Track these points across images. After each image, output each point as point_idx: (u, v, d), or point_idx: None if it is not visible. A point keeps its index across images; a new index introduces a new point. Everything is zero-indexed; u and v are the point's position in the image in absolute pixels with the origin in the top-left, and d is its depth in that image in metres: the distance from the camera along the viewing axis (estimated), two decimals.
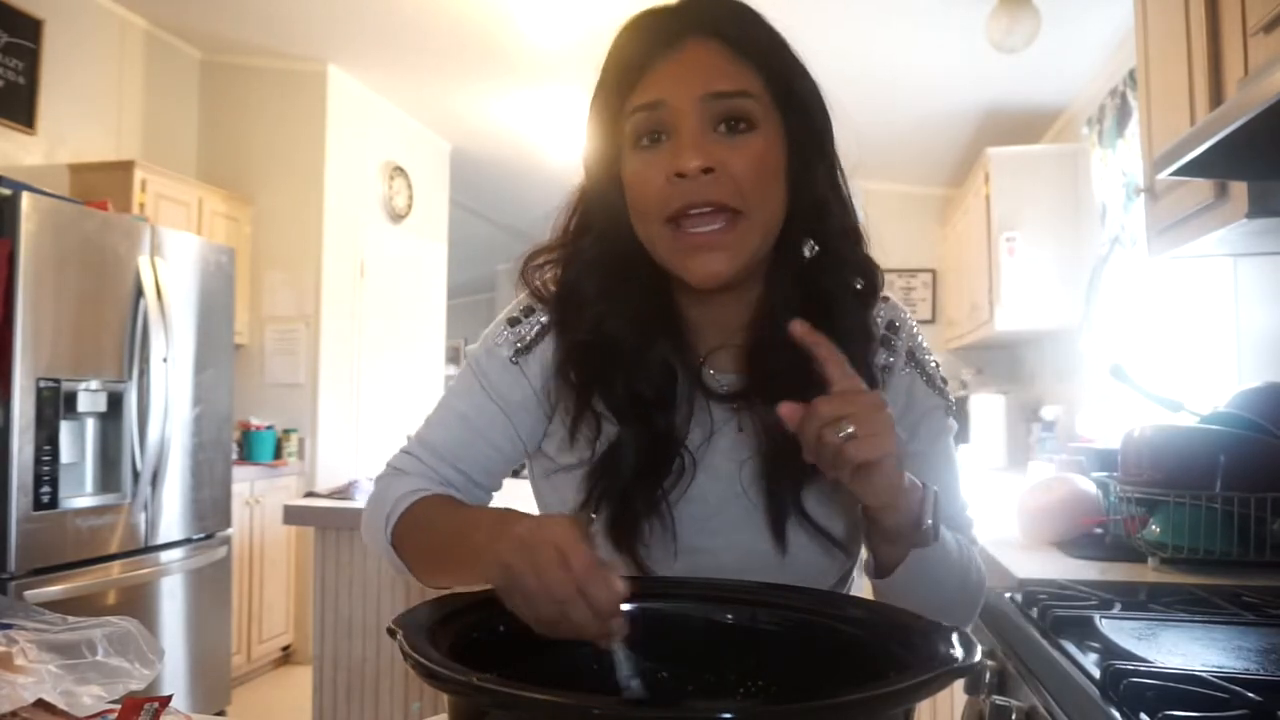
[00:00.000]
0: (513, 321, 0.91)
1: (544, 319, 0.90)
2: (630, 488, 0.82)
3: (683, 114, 0.78)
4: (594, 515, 0.82)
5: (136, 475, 3.00)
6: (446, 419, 0.91)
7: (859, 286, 0.86)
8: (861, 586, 0.99)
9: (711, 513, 0.85)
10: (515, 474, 0.97)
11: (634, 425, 0.83)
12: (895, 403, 0.84)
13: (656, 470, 0.83)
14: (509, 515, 0.70)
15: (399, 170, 5.06)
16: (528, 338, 0.89)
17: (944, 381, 0.94)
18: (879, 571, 0.81)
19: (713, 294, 0.83)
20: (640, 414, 0.83)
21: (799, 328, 0.73)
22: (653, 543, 0.83)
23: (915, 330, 0.94)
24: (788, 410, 0.71)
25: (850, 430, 0.69)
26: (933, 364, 0.93)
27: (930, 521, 0.77)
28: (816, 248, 0.84)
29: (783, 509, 0.83)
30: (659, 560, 0.83)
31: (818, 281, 0.84)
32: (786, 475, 0.83)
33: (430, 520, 0.82)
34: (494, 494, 0.95)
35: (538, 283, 0.91)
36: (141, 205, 3.64)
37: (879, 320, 0.90)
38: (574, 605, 0.61)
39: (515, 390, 0.88)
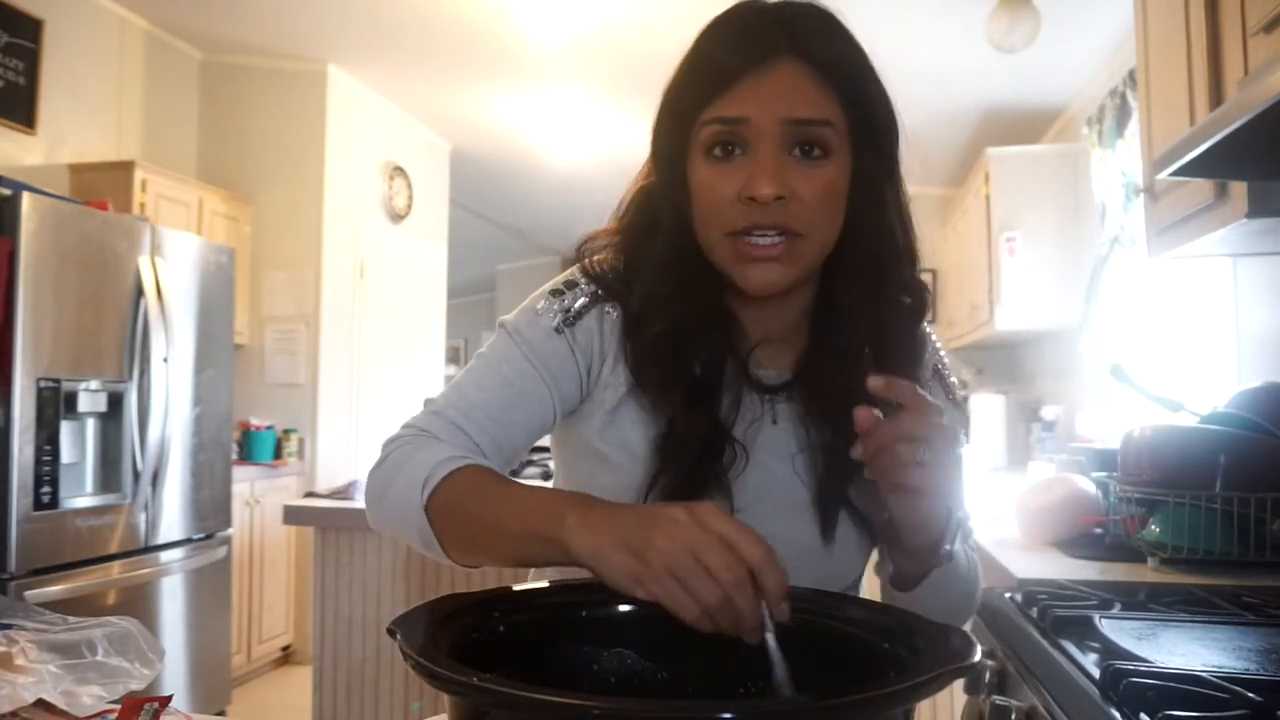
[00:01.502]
0: (556, 293, 0.90)
1: (589, 293, 0.89)
2: (692, 465, 0.84)
3: (762, 135, 0.78)
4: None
5: (137, 475, 3.00)
6: (486, 381, 0.87)
7: (908, 303, 0.89)
8: (865, 589, 0.99)
9: (750, 503, 0.86)
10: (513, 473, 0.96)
11: (689, 407, 0.84)
12: None
13: (713, 450, 0.84)
14: (598, 500, 0.70)
15: (399, 170, 5.06)
16: (573, 308, 0.88)
17: (961, 399, 0.97)
18: (899, 584, 0.84)
19: (763, 298, 0.85)
20: (694, 397, 0.85)
21: (875, 383, 0.74)
22: None
23: (940, 348, 0.97)
24: (864, 415, 0.72)
25: (925, 455, 0.71)
26: (953, 380, 0.97)
27: (949, 547, 0.80)
28: (873, 265, 0.86)
29: (834, 502, 0.86)
30: None
31: (872, 296, 0.85)
32: (840, 469, 0.85)
33: (486, 491, 0.77)
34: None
35: (591, 263, 0.91)
36: (141, 205, 3.64)
37: None
38: (742, 591, 0.61)
39: (558, 359, 0.87)
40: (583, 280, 0.90)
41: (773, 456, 0.87)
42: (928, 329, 0.97)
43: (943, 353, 0.97)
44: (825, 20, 0.82)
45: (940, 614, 0.80)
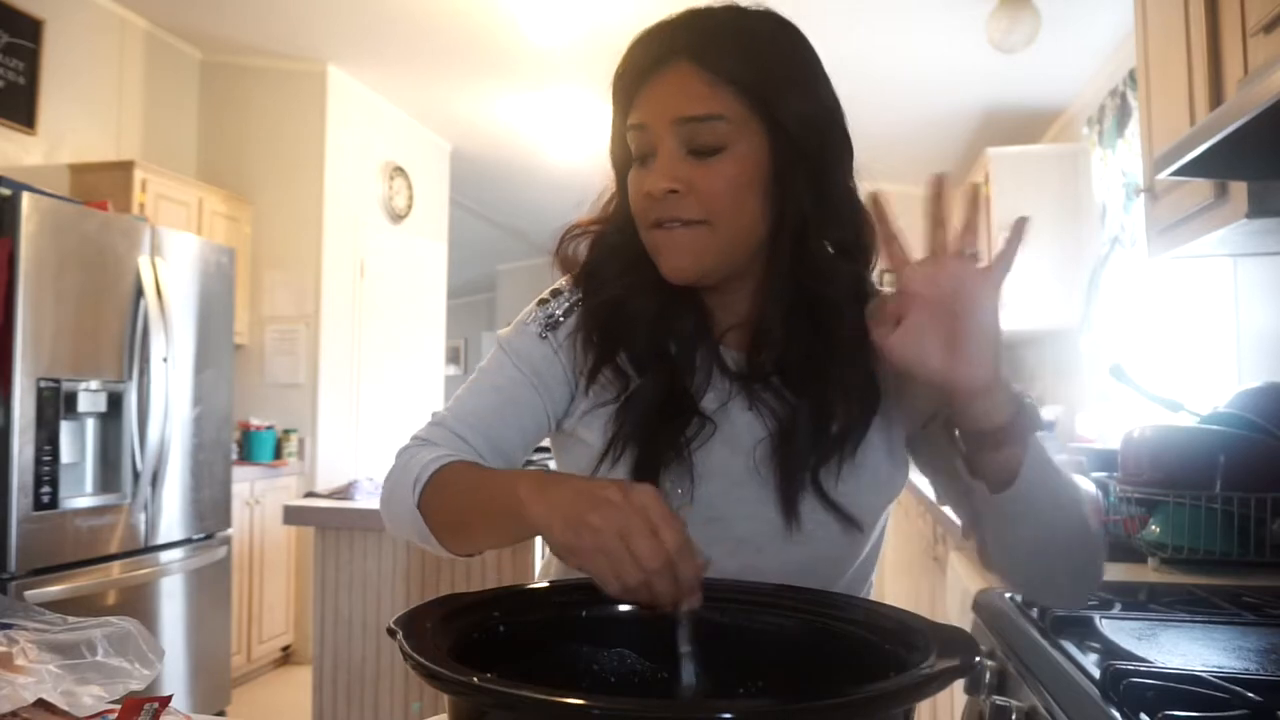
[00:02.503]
0: (542, 302, 0.95)
1: (574, 298, 0.94)
2: (653, 431, 0.86)
3: (659, 137, 0.83)
4: (682, 494, 0.85)
5: (136, 475, 3.00)
6: (479, 390, 0.93)
7: (849, 296, 0.88)
8: (879, 592, 0.99)
9: (731, 485, 0.88)
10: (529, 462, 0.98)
11: (655, 375, 0.87)
12: None
13: (676, 419, 0.87)
14: (553, 475, 0.74)
15: (399, 170, 5.06)
16: (557, 314, 0.93)
17: None
18: (997, 487, 0.80)
19: (715, 284, 0.88)
20: (661, 366, 0.88)
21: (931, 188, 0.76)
22: (671, 492, 0.86)
23: None
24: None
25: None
26: None
27: (1029, 400, 0.79)
28: (796, 250, 0.86)
29: (795, 487, 0.86)
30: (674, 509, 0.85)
31: (808, 287, 0.86)
32: (800, 454, 0.86)
33: (463, 480, 0.83)
34: None
35: (569, 254, 0.95)
36: (141, 205, 3.64)
37: None
38: (661, 577, 0.64)
39: (545, 364, 0.92)
40: (568, 288, 0.95)
41: (747, 439, 0.89)
42: None
43: None
44: (722, 19, 0.85)
45: (1064, 544, 0.83)
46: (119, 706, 0.80)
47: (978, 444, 0.80)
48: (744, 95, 0.82)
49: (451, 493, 0.83)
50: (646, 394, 0.87)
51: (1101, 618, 1.10)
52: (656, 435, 0.86)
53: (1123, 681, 0.86)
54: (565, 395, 0.93)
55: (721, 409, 0.89)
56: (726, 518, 0.88)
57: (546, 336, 0.92)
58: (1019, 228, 0.75)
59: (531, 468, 0.93)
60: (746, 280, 0.89)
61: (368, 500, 2.56)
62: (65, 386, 2.74)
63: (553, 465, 1.02)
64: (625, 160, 0.89)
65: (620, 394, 0.88)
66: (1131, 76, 2.98)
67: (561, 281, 0.96)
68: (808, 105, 0.84)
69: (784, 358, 0.86)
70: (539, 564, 2.01)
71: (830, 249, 0.87)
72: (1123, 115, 3.21)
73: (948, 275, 0.74)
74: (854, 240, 0.88)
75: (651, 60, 0.84)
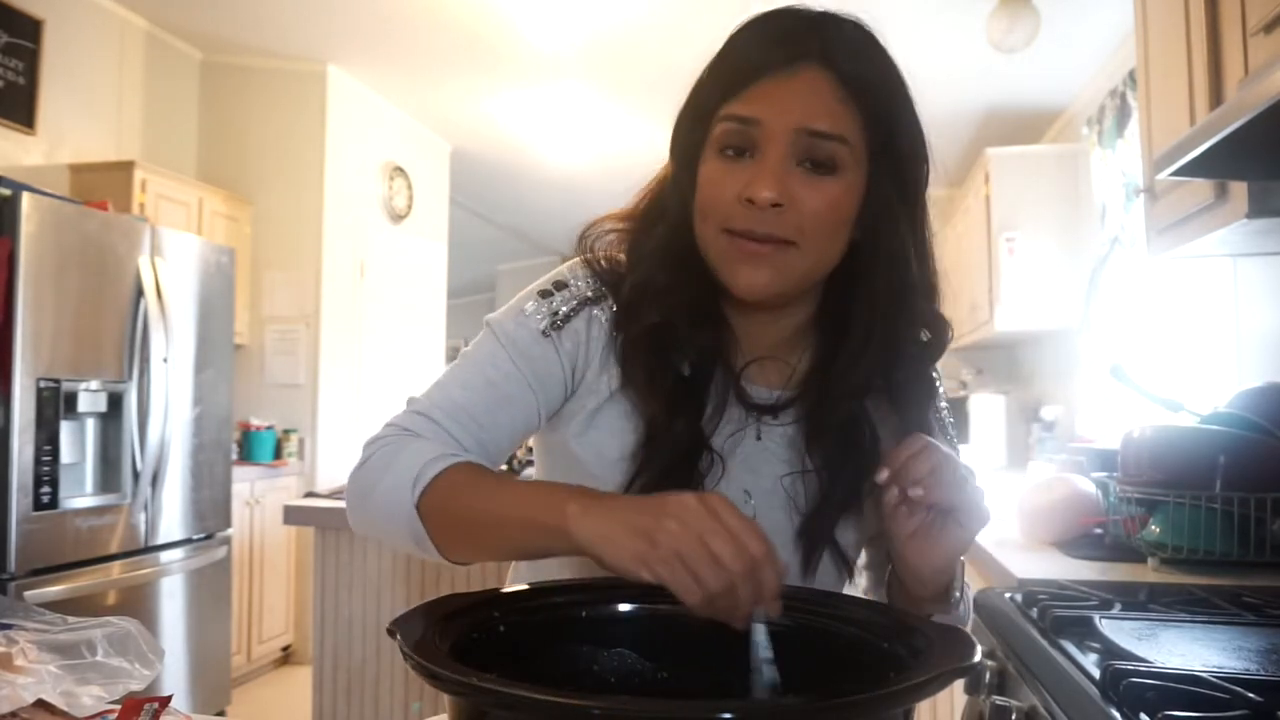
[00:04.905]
0: (544, 294, 0.88)
1: (579, 295, 0.87)
2: (667, 471, 0.82)
3: (773, 140, 0.76)
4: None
5: (136, 475, 3.00)
6: (471, 382, 0.86)
7: (926, 339, 0.86)
8: (859, 587, 0.99)
9: None
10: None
11: (672, 408, 0.83)
12: None
13: (689, 456, 0.83)
14: (600, 492, 0.72)
15: (399, 170, 5.06)
16: (562, 311, 0.86)
17: (953, 428, 0.95)
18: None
19: (755, 309, 0.84)
20: (679, 398, 0.83)
21: (882, 479, 0.76)
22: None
23: (940, 388, 0.95)
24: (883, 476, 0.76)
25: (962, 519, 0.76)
26: (945, 411, 0.95)
27: (959, 595, 0.82)
28: (888, 295, 0.82)
29: (819, 538, 0.85)
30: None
31: (886, 328, 0.82)
32: (830, 501, 0.85)
33: (480, 487, 0.77)
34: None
35: (593, 253, 0.89)
36: (141, 205, 3.64)
37: None
38: (745, 581, 0.62)
39: (545, 363, 0.85)
40: (573, 280, 0.88)
41: (751, 474, 0.86)
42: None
43: (942, 390, 0.94)
44: (863, 36, 0.80)
45: None
46: (119, 707, 0.80)
47: (896, 590, 0.84)
48: (868, 121, 0.77)
49: (467, 498, 0.77)
50: (669, 435, 0.82)
51: (1101, 618, 1.10)
52: (671, 475, 0.82)
53: (1123, 681, 0.85)
54: (560, 396, 0.88)
55: (731, 441, 0.85)
56: None
57: (550, 335, 0.85)
58: None
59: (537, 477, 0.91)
60: (788, 311, 0.85)
61: None
62: (65, 386, 2.74)
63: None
64: (690, 149, 0.82)
65: (634, 410, 0.84)
66: (1131, 76, 2.98)
67: (563, 269, 0.90)
68: (918, 145, 0.81)
69: (841, 400, 0.83)
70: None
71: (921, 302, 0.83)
72: (1123, 115, 3.21)
73: (945, 499, 0.75)
74: (932, 283, 0.85)
75: (779, 54, 0.77)
